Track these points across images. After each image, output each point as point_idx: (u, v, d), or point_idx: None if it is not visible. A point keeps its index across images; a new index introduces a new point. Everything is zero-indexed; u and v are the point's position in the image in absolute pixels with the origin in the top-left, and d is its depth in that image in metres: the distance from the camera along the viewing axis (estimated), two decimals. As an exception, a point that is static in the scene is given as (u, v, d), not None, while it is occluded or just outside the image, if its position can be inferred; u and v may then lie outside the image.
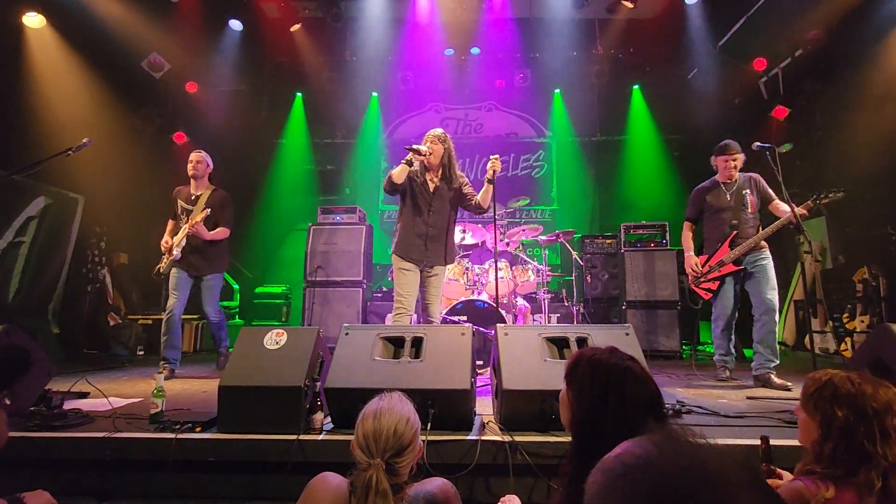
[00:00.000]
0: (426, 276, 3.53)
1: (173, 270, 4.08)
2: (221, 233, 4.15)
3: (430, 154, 3.42)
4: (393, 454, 1.23)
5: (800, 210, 3.29)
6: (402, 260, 3.48)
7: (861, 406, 1.22)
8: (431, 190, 3.52)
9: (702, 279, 3.68)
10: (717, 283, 3.61)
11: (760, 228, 3.59)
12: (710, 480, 0.48)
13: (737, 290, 3.65)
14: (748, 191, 3.63)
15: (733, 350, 3.76)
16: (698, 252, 3.86)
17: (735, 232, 3.57)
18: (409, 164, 3.39)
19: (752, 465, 0.51)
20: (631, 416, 1.06)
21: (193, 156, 4.19)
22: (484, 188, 3.51)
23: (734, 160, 3.65)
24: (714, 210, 3.71)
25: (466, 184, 3.63)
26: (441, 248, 3.51)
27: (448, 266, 3.69)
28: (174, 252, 4.01)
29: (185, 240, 4.01)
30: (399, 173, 3.37)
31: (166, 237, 4.13)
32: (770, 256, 3.60)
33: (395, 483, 1.24)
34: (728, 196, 3.65)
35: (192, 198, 4.14)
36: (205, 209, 3.97)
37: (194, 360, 5.25)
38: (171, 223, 4.22)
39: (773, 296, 3.51)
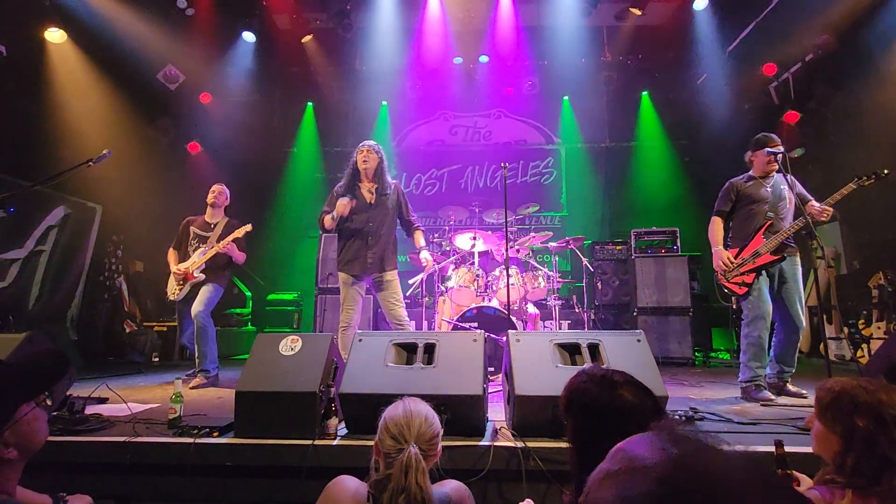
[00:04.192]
0: (380, 283, 3.58)
1: (180, 302, 4.12)
2: (242, 257, 4.22)
3: (366, 162, 3.61)
4: (422, 440, 1.26)
5: (820, 207, 3.18)
6: (345, 275, 3.57)
7: (881, 414, 1.21)
8: (369, 201, 3.61)
9: (734, 273, 3.40)
10: (753, 275, 3.32)
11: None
12: (727, 490, 0.46)
13: (772, 288, 3.37)
14: (785, 187, 3.45)
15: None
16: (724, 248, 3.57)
17: (770, 222, 3.36)
18: (342, 216, 3.52)
19: (768, 470, 0.50)
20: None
21: (216, 186, 4.32)
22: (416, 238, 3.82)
23: (777, 157, 3.37)
24: (750, 202, 3.46)
25: (402, 193, 3.82)
26: (386, 254, 3.59)
27: (393, 270, 3.68)
28: (196, 275, 4.02)
29: (204, 264, 4.04)
30: (329, 221, 3.54)
31: (176, 266, 4.11)
32: (800, 265, 3.43)
33: None
34: (767, 189, 3.45)
35: (211, 225, 4.23)
36: (245, 224, 4.10)
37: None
38: (172, 252, 4.23)
39: (804, 312, 3.37)
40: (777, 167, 3.46)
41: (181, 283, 4.08)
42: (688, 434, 0.54)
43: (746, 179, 3.57)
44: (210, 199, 4.27)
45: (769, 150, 3.38)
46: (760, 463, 0.49)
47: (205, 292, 4.03)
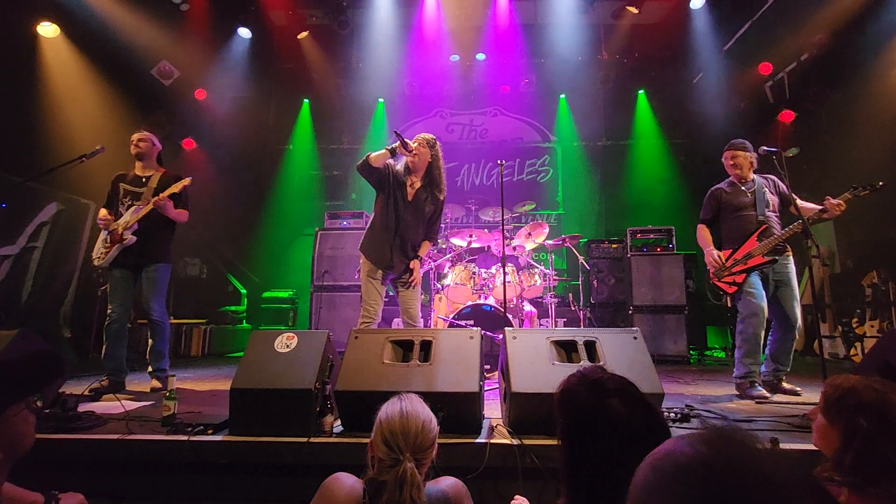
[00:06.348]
0: (401, 283, 3.35)
1: (114, 271, 3.52)
2: (184, 214, 3.65)
3: (416, 155, 3.19)
4: (418, 450, 1.26)
5: (836, 201, 3.16)
6: (370, 264, 3.26)
7: (885, 416, 1.20)
8: (409, 197, 3.28)
9: (725, 273, 3.45)
10: (743, 276, 3.37)
11: (781, 227, 3.42)
12: (767, 485, 0.47)
13: (767, 289, 3.39)
14: (767, 190, 3.49)
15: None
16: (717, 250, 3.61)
17: (764, 226, 3.39)
18: (392, 153, 3.14)
19: (808, 470, 0.52)
20: (618, 452, 0.97)
21: (135, 136, 3.72)
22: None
23: (732, 158, 3.51)
24: (735, 209, 3.52)
25: (441, 205, 3.42)
26: (406, 261, 3.32)
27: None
28: (127, 237, 3.44)
29: (136, 224, 3.47)
30: (378, 157, 3.11)
31: (102, 217, 3.54)
32: (793, 264, 3.45)
33: None
34: (748, 194, 3.50)
35: (143, 179, 3.65)
36: (183, 179, 3.59)
37: (202, 365, 5.28)
38: (103, 211, 3.60)
39: (799, 310, 3.39)
40: (748, 174, 3.53)
41: (108, 244, 3.48)
42: (728, 431, 0.57)
43: (727, 185, 3.63)
44: (132, 150, 3.67)
45: (736, 152, 3.49)
46: (796, 461, 0.51)
47: (152, 280, 3.53)
